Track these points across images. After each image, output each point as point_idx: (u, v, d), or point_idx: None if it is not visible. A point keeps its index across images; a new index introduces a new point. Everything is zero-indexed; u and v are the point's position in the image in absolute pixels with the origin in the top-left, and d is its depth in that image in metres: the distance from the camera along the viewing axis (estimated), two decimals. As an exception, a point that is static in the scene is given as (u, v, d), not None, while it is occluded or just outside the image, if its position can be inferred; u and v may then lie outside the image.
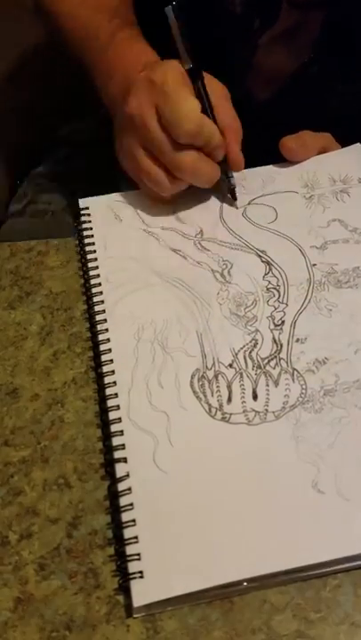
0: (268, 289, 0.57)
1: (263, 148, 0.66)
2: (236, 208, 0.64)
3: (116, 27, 0.69)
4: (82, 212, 0.66)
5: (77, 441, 0.51)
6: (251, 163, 0.66)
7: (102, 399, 0.52)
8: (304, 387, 0.50)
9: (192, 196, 0.65)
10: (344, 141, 0.70)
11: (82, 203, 0.66)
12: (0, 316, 0.60)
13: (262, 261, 0.60)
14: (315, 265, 0.59)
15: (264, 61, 0.74)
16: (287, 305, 0.56)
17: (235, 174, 0.64)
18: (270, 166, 0.68)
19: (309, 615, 0.42)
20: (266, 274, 0.59)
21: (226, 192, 0.65)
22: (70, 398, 0.53)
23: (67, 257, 0.64)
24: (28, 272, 0.63)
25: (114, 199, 0.66)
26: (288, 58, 0.74)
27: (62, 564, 0.45)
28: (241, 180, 0.66)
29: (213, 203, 0.65)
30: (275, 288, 0.57)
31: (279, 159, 0.67)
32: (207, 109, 0.61)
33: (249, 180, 0.67)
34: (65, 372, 0.55)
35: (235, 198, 0.64)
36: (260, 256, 0.60)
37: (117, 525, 0.46)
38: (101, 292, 0.58)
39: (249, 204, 0.65)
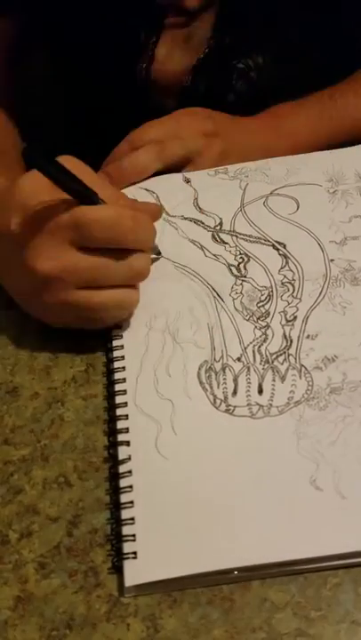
0: (283, 283, 0.61)
1: None
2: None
3: None
4: None
5: (77, 439, 0.55)
6: None
7: (110, 383, 0.57)
8: (311, 383, 0.54)
9: (215, 186, 0.70)
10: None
11: None
12: (-1, 314, 0.64)
13: (279, 254, 0.64)
14: (332, 260, 0.63)
15: (163, 69, 0.83)
16: (301, 300, 0.60)
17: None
18: (297, 156, 0.73)
19: (310, 613, 0.45)
20: (282, 267, 0.63)
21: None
22: (70, 397, 0.58)
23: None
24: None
25: (134, 186, 0.71)
26: (184, 59, 0.82)
27: (62, 562, 0.49)
28: (265, 170, 0.71)
29: (236, 192, 0.70)
30: (290, 282, 0.61)
31: None
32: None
33: (273, 169, 0.71)
34: (65, 371, 0.59)
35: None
36: (277, 249, 0.64)
37: (115, 508, 0.50)
38: None
39: (271, 193, 0.69)
